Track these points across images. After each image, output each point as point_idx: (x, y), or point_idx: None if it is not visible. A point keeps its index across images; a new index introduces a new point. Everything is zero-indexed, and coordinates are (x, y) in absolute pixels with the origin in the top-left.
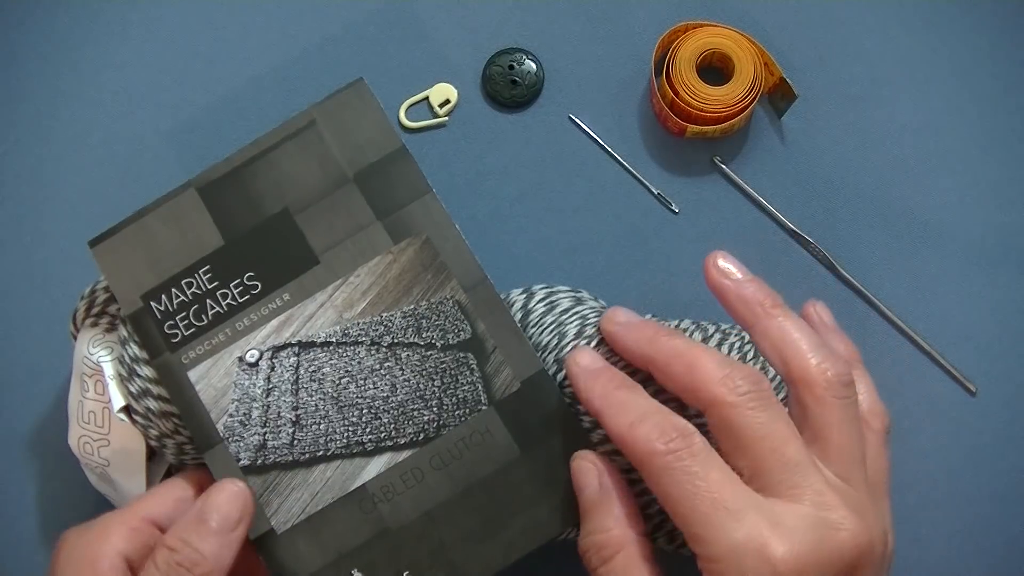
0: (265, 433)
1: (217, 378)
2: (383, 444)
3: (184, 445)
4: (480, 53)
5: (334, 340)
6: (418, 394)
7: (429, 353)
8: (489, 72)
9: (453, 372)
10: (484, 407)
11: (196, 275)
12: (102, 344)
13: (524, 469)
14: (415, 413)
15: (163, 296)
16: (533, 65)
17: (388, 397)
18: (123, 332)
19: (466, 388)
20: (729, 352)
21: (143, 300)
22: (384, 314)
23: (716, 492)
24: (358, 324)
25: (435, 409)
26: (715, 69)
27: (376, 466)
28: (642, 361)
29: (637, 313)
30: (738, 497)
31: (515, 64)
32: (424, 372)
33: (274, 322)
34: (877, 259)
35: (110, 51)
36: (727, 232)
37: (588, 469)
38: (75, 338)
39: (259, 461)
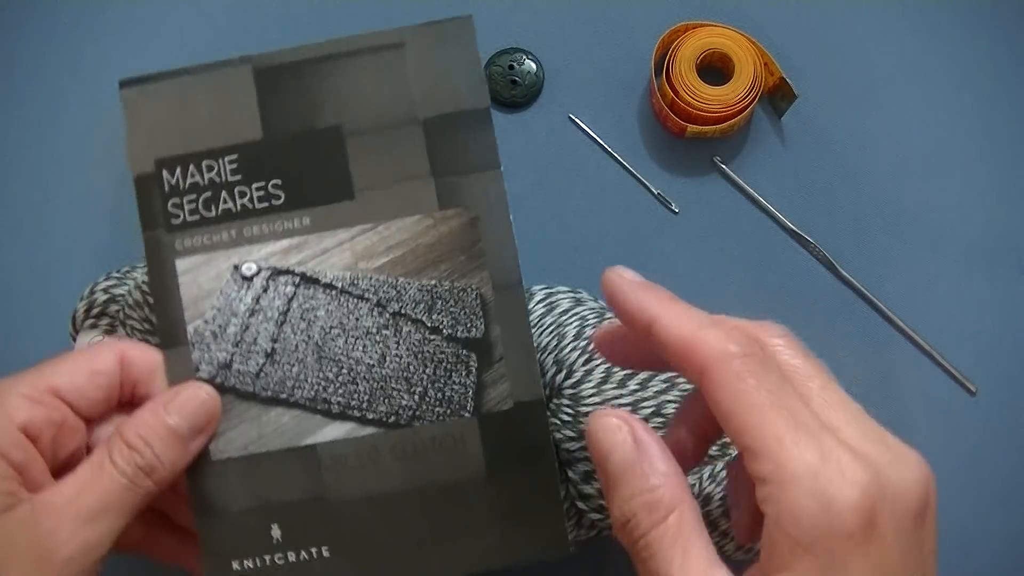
0: (234, 354)
1: (205, 279)
2: (349, 412)
3: None
4: (480, 53)
5: (339, 286)
6: (404, 375)
7: (432, 338)
8: (489, 72)
9: (448, 367)
10: (467, 414)
11: (220, 161)
12: None
13: (486, 492)
14: (394, 393)
15: (178, 169)
16: (533, 65)
17: (373, 367)
18: (123, 333)
19: (456, 388)
20: None
21: (156, 165)
22: (401, 279)
23: (793, 406)
24: (370, 278)
25: (416, 397)
26: (715, 69)
27: (334, 431)
28: (641, 316)
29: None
30: (813, 416)
31: (515, 64)
32: (419, 355)
33: (284, 242)
34: (877, 259)
35: (110, 51)
36: (727, 232)
37: (615, 427)
38: (75, 339)
39: (218, 379)
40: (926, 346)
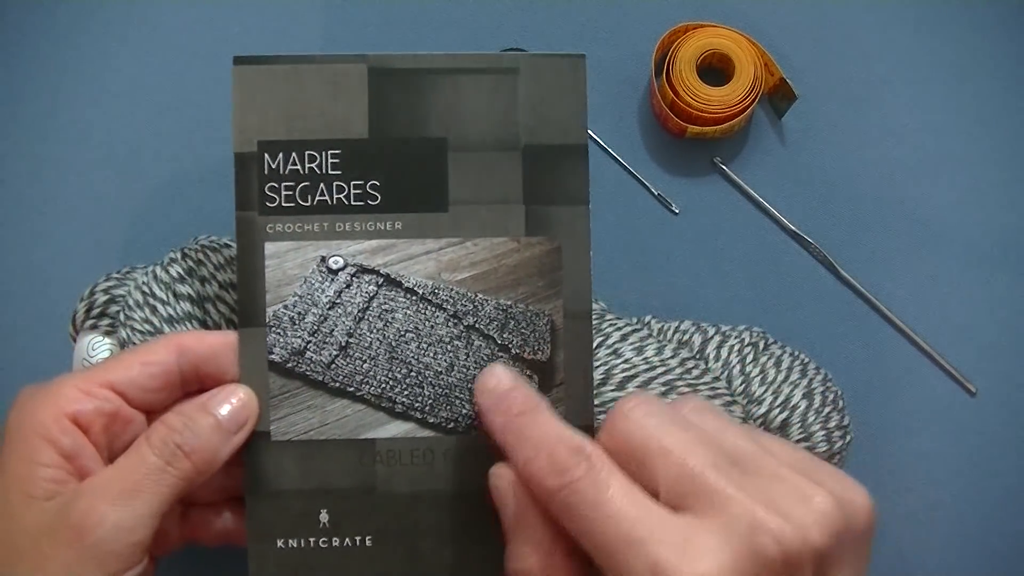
0: (309, 342)
1: (291, 265)
2: (411, 413)
3: None
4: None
5: (420, 292)
6: (469, 386)
7: (500, 355)
8: None
9: None
10: None
11: (324, 153)
12: (101, 346)
13: None
14: (457, 401)
15: (280, 154)
16: None
17: (440, 373)
18: (123, 334)
19: None
20: (729, 355)
21: (259, 146)
22: (480, 295)
23: (620, 520)
24: (451, 290)
25: (477, 408)
26: (715, 69)
27: (394, 429)
28: (499, 438)
29: (513, 378)
30: (643, 521)
31: None
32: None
33: (373, 243)
34: (877, 259)
35: (110, 51)
36: (727, 233)
37: (504, 490)
38: (75, 340)
39: (289, 364)
40: (926, 346)
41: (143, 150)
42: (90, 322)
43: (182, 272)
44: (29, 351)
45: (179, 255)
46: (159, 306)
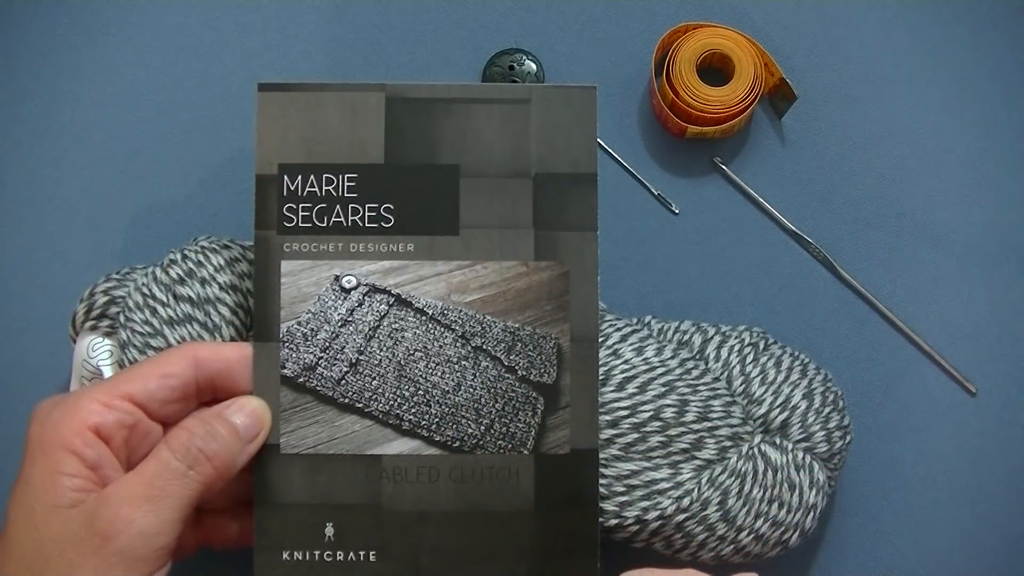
0: (321, 358)
1: (306, 283)
2: (418, 431)
3: None
4: (480, 53)
5: (430, 312)
6: (475, 406)
7: (507, 376)
8: (489, 72)
9: (517, 405)
10: (526, 452)
11: (341, 177)
12: (101, 347)
13: (529, 526)
14: (463, 421)
15: (299, 177)
16: (533, 65)
17: (447, 393)
18: (123, 336)
19: (520, 426)
20: (729, 355)
21: (279, 169)
22: (488, 317)
23: None
24: (460, 311)
25: (482, 428)
26: (715, 70)
27: (401, 446)
28: None
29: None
30: None
31: (515, 64)
32: (492, 389)
33: (386, 263)
34: (877, 259)
35: (110, 51)
36: (727, 233)
37: None
38: (74, 341)
39: (301, 379)
40: (926, 346)
41: (143, 151)
42: (90, 323)
43: (182, 274)
44: (29, 351)
45: (179, 256)
46: (159, 308)
